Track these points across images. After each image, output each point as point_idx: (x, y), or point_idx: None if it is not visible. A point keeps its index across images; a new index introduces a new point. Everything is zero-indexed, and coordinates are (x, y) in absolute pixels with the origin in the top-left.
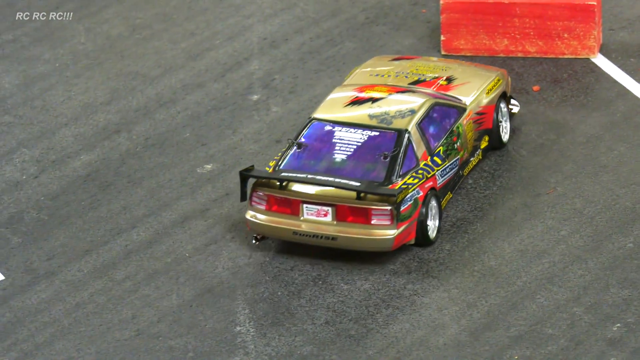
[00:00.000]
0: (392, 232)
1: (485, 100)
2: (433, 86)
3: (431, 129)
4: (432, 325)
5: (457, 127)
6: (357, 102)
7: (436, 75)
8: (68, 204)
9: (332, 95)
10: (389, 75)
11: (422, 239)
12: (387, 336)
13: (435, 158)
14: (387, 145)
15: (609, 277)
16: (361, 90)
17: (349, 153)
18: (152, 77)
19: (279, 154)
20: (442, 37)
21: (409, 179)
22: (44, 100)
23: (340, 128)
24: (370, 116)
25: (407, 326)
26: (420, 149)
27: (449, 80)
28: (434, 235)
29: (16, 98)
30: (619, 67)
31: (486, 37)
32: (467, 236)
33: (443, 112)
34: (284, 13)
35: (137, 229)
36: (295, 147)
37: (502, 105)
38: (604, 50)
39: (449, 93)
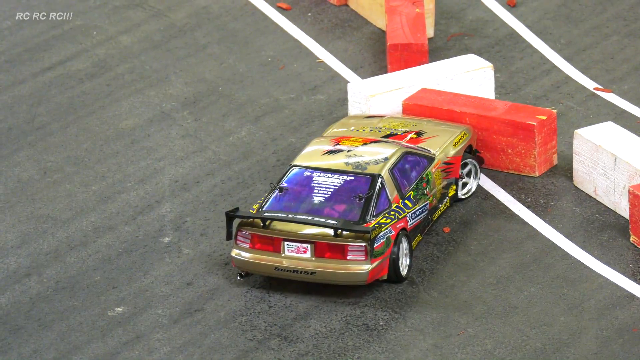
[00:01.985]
0: (366, 267)
1: (452, 152)
2: (404, 139)
3: (403, 175)
4: None
5: (427, 175)
6: (333, 151)
7: (407, 129)
8: None
9: (310, 146)
10: (363, 130)
11: (394, 275)
12: None
13: (406, 201)
14: (361, 189)
15: None
16: (337, 141)
17: (326, 195)
18: (63, 220)
19: (262, 198)
20: None
21: (382, 219)
22: None
23: (318, 173)
24: (347, 163)
25: None
26: (392, 193)
27: (419, 134)
28: (405, 272)
29: None
30: (528, 208)
31: None
32: None
33: (413, 160)
34: (196, 156)
35: None
36: (277, 191)
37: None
38: (514, 191)
39: (419, 145)
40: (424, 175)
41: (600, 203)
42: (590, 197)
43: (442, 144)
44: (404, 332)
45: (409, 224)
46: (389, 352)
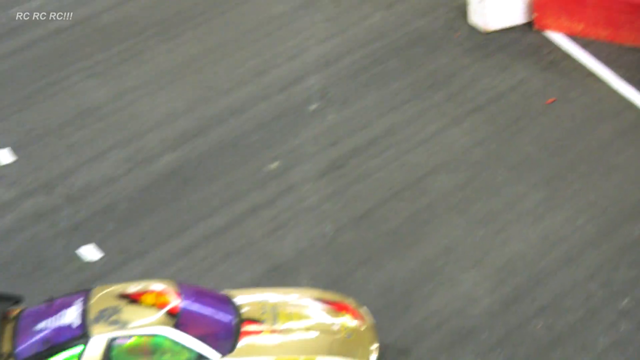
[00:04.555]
0: None
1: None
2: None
3: (142, 351)
4: (469, 297)
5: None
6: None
7: (262, 319)
8: (155, 196)
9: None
10: (262, 308)
11: None
12: (429, 307)
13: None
14: None
15: (619, 259)
16: (136, 294)
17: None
18: (225, 90)
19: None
20: (534, 15)
21: None
22: (133, 109)
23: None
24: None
25: (447, 299)
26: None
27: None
28: None
29: (109, 107)
30: (627, 82)
31: (568, 19)
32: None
33: (165, 348)
34: (337, 37)
35: (214, 217)
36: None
37: None
38: (615, 65)
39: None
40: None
41: None
42: None
43: (252, 352)
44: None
45: None
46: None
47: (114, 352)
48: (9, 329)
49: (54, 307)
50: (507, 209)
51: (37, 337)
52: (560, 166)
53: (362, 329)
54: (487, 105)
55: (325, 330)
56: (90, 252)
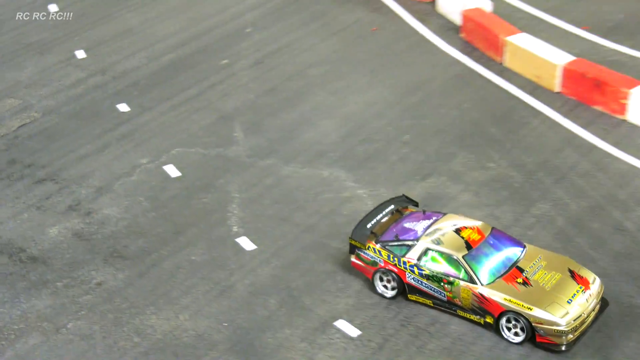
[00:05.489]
0: (351, 257)
1: (497, 295)
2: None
3: (438, 260)
4: (324, 134)
5: (454, 280)
6: (456, 228)
7: (536, 265)
8: (160, 77)
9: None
10: (533, 262)
11: (373, 284)
12: (303, 138)
13: (415, 268)
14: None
15: (406, 114)
16: (462, 229)
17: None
18: (202, 20)
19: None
20: None
21: (384, 251)
22: (152, 29)
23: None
24: (437, 229)
25: (312, 134)
26: (413, 254)
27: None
28: (380, 292)
29: (138, 29)
30: (417, 19)
31: None
32: None
33: (455, 264)
34: None
35: (191, 89)
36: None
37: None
38: (411, 10)
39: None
40: (451, 278)
41: None
42: None
43: (502, 289)
44: None
45: (407, 278)
46: None
47: (425, 255)
48: (393, 220)
49: (421, 216)
50: (347, 86)
51: (395, 230)
52: (377, 64)
53: (583, 305)
54: (341, 31)
55: (554, 291)
56: (123, 107)
